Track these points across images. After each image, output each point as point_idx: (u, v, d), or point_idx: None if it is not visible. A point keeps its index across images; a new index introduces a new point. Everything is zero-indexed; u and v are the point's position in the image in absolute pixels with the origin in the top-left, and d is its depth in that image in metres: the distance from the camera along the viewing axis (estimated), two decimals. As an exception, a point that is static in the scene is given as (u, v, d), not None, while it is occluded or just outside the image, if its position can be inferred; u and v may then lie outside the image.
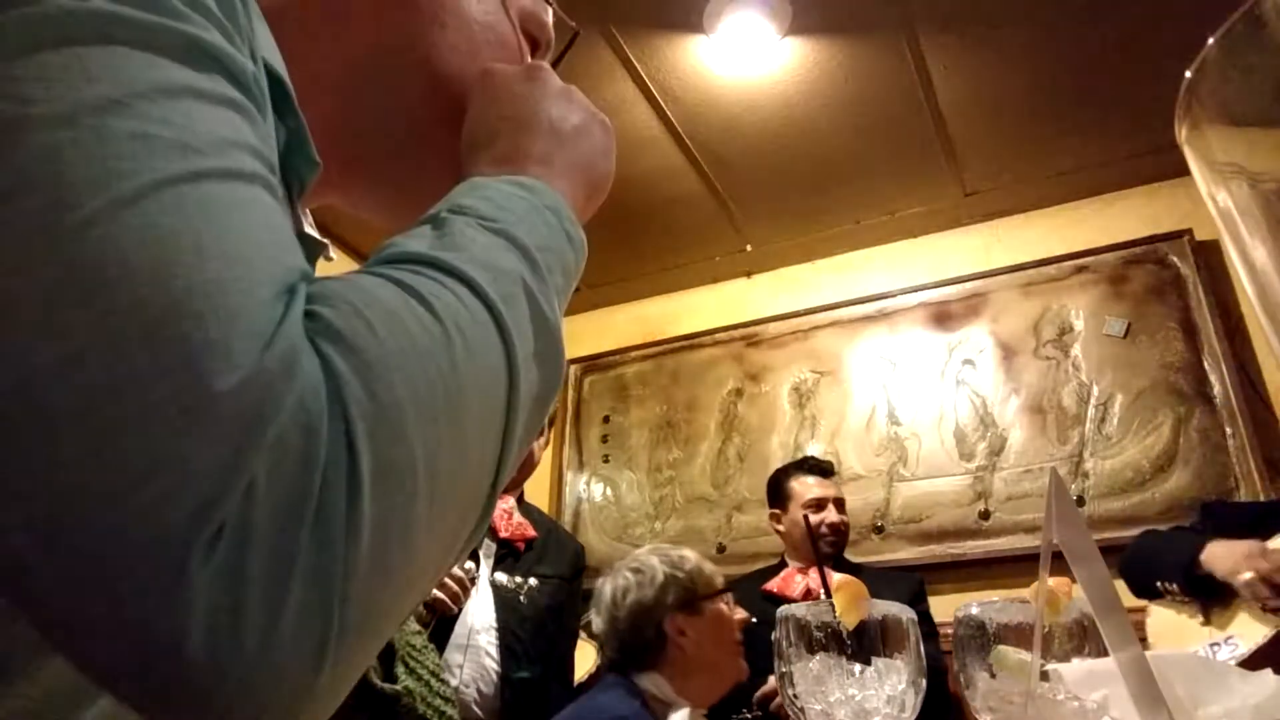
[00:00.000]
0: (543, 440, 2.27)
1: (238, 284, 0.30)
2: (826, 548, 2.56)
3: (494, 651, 1.92)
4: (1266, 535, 1.99)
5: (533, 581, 2.05)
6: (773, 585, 2.57)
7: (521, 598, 2.02)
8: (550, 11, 0.66)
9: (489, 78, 0.56)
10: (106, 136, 0.29)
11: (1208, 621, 1.98)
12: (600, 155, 0.56)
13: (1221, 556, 1.96)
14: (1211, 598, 1.98)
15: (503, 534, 2.08)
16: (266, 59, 0.43)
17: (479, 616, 1.94)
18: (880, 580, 2.47)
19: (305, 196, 0.51)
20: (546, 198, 0.47)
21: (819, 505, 2.62)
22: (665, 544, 1.92)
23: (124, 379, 0.27)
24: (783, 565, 2.69)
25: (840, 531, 2.61)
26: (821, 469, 2.75)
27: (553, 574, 2.06)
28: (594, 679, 2.13)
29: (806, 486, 2.68)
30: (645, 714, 1.58)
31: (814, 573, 2.46)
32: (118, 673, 0.27)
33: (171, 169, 0.30)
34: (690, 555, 1.78)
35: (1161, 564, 2.07)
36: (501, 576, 2.03)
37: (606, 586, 1.77)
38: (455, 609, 1.83)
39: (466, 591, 1.85)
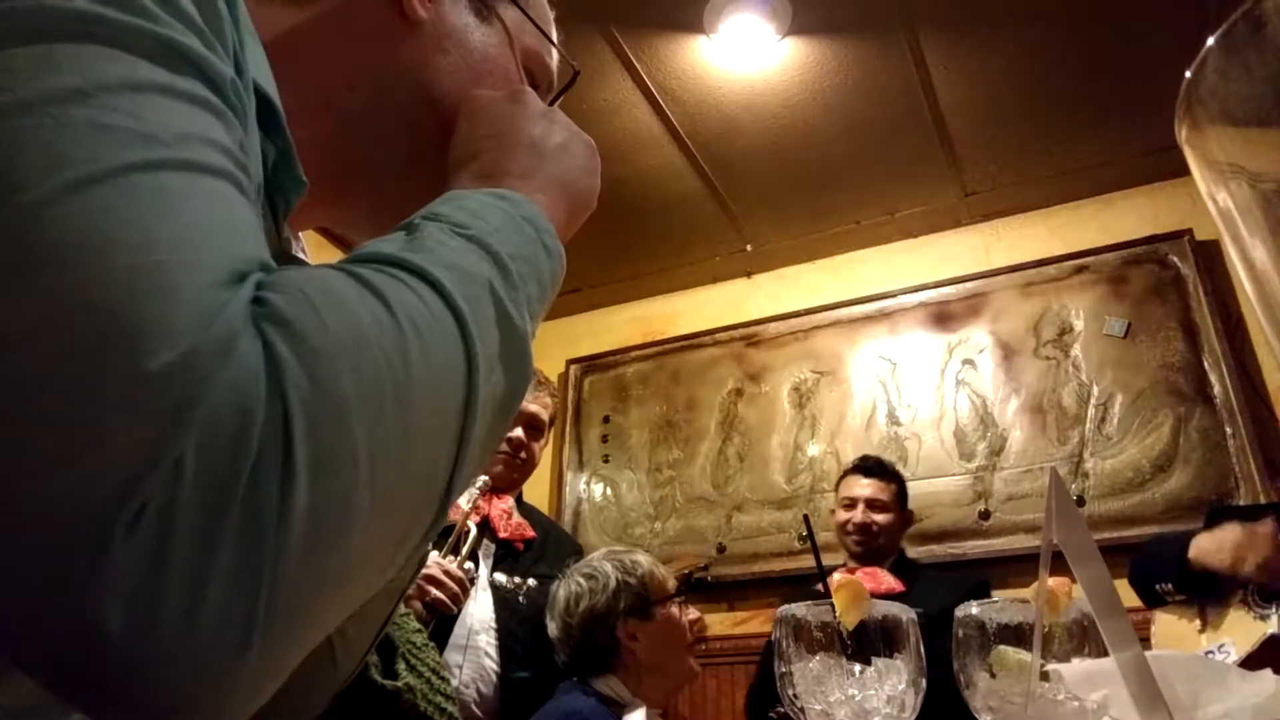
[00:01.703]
0: (542, 440, 2.27)
1: (182, 267, 0.30)
2: (853, 546, 2.55)
3: (493, 652, 1.92)
4: None
5: (531, 582, 2.05)
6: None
7: (521, 598, 2.02)
8: (554, 52, 0.67)
9: (472, 100, 0.57)
10: (65, 124, 0.30)
11: (1205, 627, 1.98)
12: (583, 172, 0.56)
13: (1210, 550, 1.96)
14: (1206, 594, 1.98)
15: (502, 534, 2.08)
16: (256, 79, 0.44)
17: (478, 617, 1.94)
18: (936, 580, 2.47)
19: (295, 217, 0.52)
20: (523, 209, 0.47)
21: (850, 504, 2.61)
22: (620, 547, 1.94)
23: (57, 356, 0.27)
24: (844, 565, 2.64)
25: (868, 530, 2.55)
26: (864, 469, 2.71)
27: (552, 574, 2.06)
28: None
29: (847, 485, 2.67)
30: (602, 709, 1.60)
31: (860, 572, 2.44)
32: (34, 652, 0.27)
33: (129, 157, 0.31)
34: (643, 560, 1.80)
35: (1157, 566, 2.07)
36: (500, 577, 2.03)
37: (560, 591, 1.79)
38: (455, 609, 1.82)
39: (466, 591, 1.85)
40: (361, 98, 0.56)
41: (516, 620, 1.97)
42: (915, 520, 2.79)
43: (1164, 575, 2.04)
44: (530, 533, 2.14)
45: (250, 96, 0.41)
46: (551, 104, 0.67)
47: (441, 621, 1.84)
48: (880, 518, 2.58)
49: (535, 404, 2.23)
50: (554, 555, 2.15)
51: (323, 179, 0.52)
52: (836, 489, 2.78)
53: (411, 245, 0.40)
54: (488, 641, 1.92)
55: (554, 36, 0.68)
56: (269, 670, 0.30)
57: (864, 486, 2.63)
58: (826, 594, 0.87)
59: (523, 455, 2.19)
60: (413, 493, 0.35)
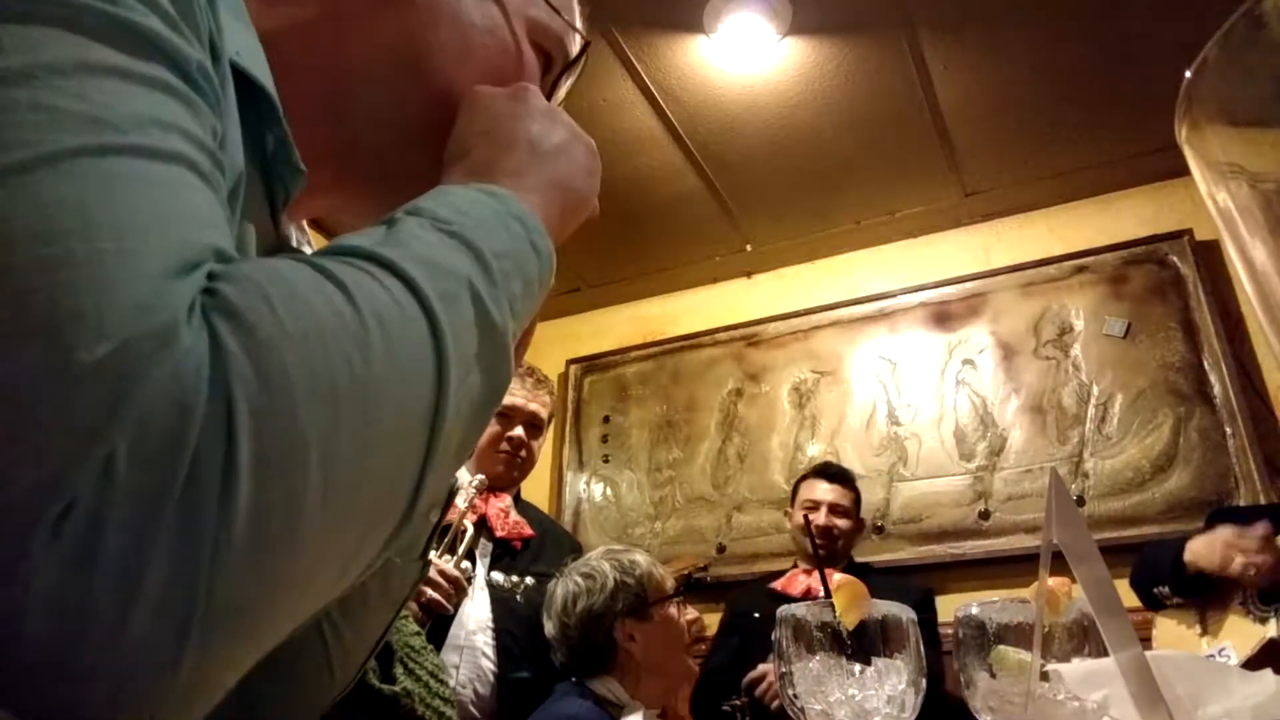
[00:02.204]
0: (541, 438, 2.27)
1: (123, 255, 0.28)
2: (811, 548, 2.59)
3: (490, 652, 1.91)
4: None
5: (529, 581, 2.04)
6: (778, 584, 2.63)
7: (518, 597, 2.01)
8: (564, 21, 0.64)
9: (473, 96, 0.55)
10: (6, 105, 0.29)
11: (1204, 631, 1.99)
12: (580, 175, 0.55)
13: (1203, 553, 1.98)
14: (1203, 596, 1.99)
15: (499, 533, 2.07)
16: (246, 65, 0.43)
17: (475, 617, 1.93)
18: (886, 586, 2.49)
19: (297, 206, 0.51)
20: (513, 206, 0.46)
21: (814, 507, 2.66)
22: (618, 546, 1.94)
23: None
24: (795, 566, 2.74)
25: (829, 534, 2.61)
26: (828, 474, 2.78)
27: (549, 573, 2.06)
28: None
29: (810, 488, 2.73)
30: (599, 711, 1.60)
31: (817, 573, 2.48)
32: None
33: (75, 141, 0.29)
34: (641, 560, 1.79)
35: (1155, 569, 2.08)
36: (498, 576, 2.02)
37: (558, 590, 1.78)
38: (450, 609, 1.82)
39: (462, 591, 1.85)
40: (353, 79, 0.55)
41: (514, 619, 1.97)
42: (865, 529, 2.86)
43: (1161, 578, 2.05)
44: (528, 531, 2.13)
45: (228, 81, 0.40)
46: (560, 77, 0.65)
47: (438, 621, 1.83)
48: (842, 523, 2.65)
49: (535, 403, 2.22)
50: (552, 554, 2.15)
51: (319, 165, 0.51)
52: (795, 491, 2.80)
53: (388, 239, 0.38)
54: (485, 641, 1.92)
55: (571, 8, 0.65)
56: (207, 678, 0.29)
57: (827, 491, 2.69)
58: (827, 594, 0.87)
59: (523, 454, 2.18)
60: (372, 497, 0.33)
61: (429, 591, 1.76)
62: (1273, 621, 1.88)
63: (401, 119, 0.56)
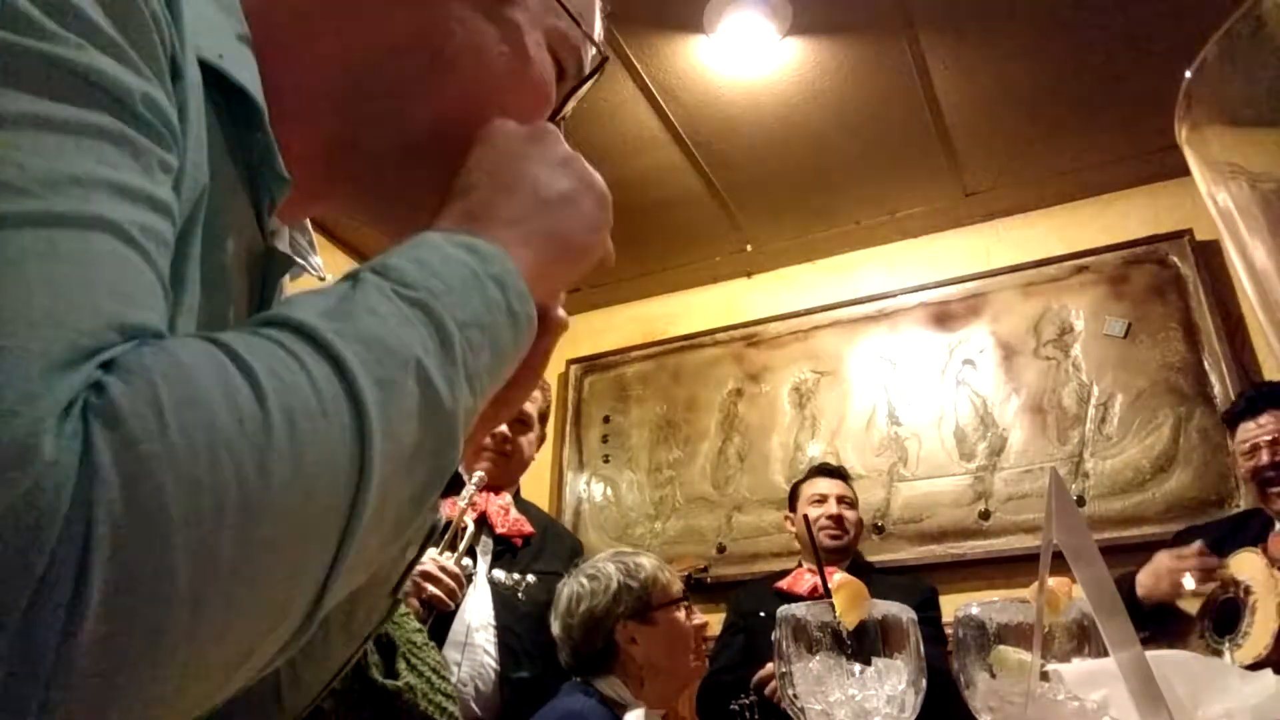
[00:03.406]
0: (534, 435, 2.25)
1: (1, 353, 0.26)
2: (828, 540, 2.59)
3: (492, 650, 1.91)
4: (1233, 549, 2.04)
5: (530, 578, 2.04)
6: (784, 583, 2.63)
7: (520, 595, 2.01)
8: (583, 32, 0.61)
9: (490, 129, 0.52)
10: None
11: None
12: (583, 228, 0.52)
13: (1149, 583, 2.04)
14: (1164, 630, 2.01)
15: (499, 530, 2.07)
16: (232, 72, 0.41)
17: (477, 614, 1.93)
18: (889, 584, 2.49)
19: (296, 207, 0.50)
20: (495, 266, 0.43)
21: (820, 501, 2.66)
22: (626, 548, 1.94)
23: None
24: (800, 565, 2.74)
25: (840, 523, 2.62)
26: (827, 470, 2.80)
27: (551, 570, 2.05)
28: None
29: (813, 486, 2.74)
30: (602, 709, 1.61)
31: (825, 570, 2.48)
32: None
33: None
34: (646, 563, 1.79)
35: None
36: (499, 574, 2.02)
37: (563, 591, 1.79)
38: (451, 606, 1.82)
39: (463, 587, 1.84)
40: (356, 77, 0.52)
41: (516, 617, 1.96)
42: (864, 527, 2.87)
43: None
44: (529, 529, 2.13)
45: (194, 99, 0.37)
46: (575, 91, 0.62)
47: (439, 619, 1.83)
48: (850, 514, 2.67)
49: None
50: (553, 551, 2.15)
51: (313, 165, 0.49)
52: (795, 495, 2.79)
53: (335, 309, 0.35)
54: (486, 639, 1.91)
55: (591, 19, 0.62)
56: None
57: (830, 485, 2.71)
58: (827, 593, 0.87)
59: (508, 448, 2.16)
60: (257, 616, 0.30)
61: (430, 588, 1.76)
62: (1226, 653, 1.91)
63: (404, 125, 0.53)
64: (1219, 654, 1.92)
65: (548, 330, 0.51)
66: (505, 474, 2.17)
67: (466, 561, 1.92)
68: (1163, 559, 2.05)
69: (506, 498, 2.15)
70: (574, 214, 0.51)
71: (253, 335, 0.32)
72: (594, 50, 0.63)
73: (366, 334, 0.34)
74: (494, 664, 1.90)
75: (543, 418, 2.32)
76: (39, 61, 0.30)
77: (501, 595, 1.98)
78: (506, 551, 2.07)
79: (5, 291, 0.27)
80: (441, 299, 0.38)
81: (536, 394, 2.28)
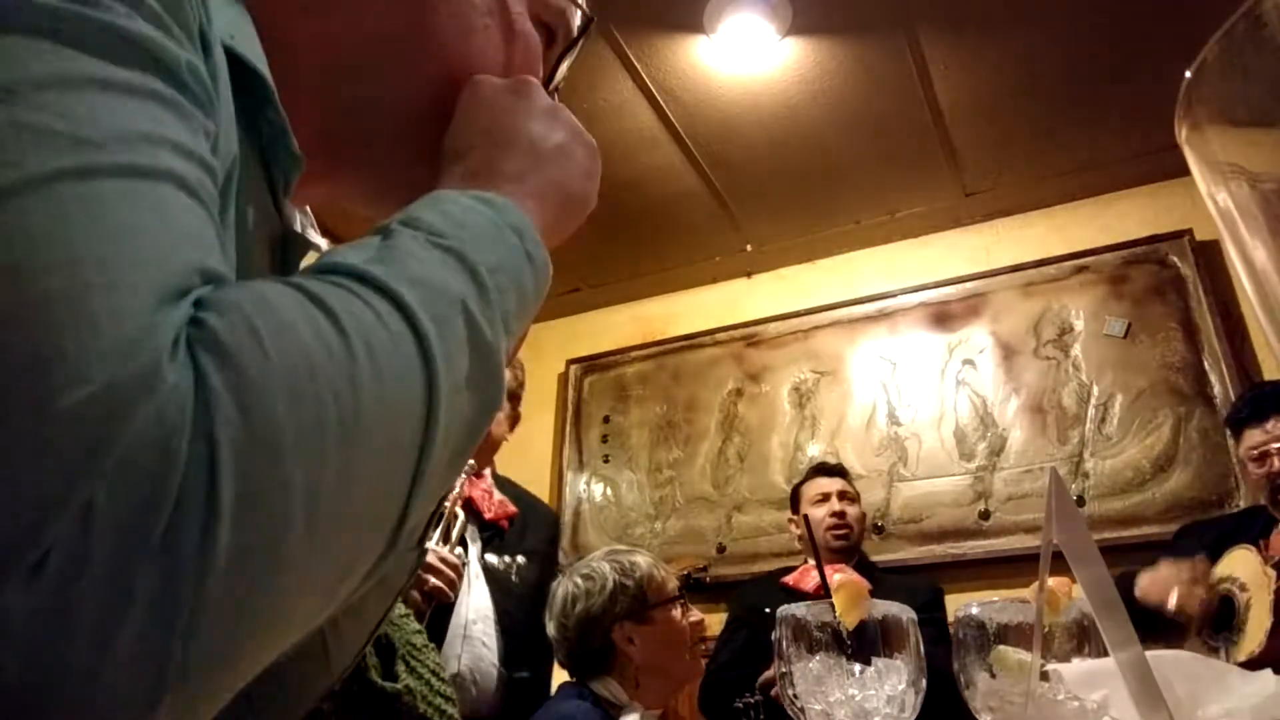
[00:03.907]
0: (503, 415, 2.21)
1: (109, 289, 0.28)
2: (833, 540, 2.57)
3: (490, 641, 1.89)
4: (1222, 551, 2.04)
5: (521, 559, 2.02)
6: (790, 579, 2.61)
7: (514, 577, 1.98)
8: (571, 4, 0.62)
9: (474, 87, 0.54)
10: None
11: None
12: (580, 177, 0.53)
13: (1152, 591, 2.02)
14: (1162, 631, 2.01)
15: (488, 515, 2.03)
16: (242, 51, 0.42)
17: (474, 606, 1.90)
18: (895, 584, 2.48)
19: (294, 190, 0.50)
20: (510, 216, 0.45)
21: (823, 500, 2.65)
22: (621, 546, 1.93)
23: None
24: (806, 562, 2.72)
25: (844, 520, 2.60)
26: (826, 469, 2.78)
27: (537, 549, 2.02)
28: None
29: (814, 486, 2.72)
30: (598, 711, 1.60)
31: (827, 568, 2.47)
32: None
33: (56, 163, 0.28)
34: (642, 562, 1.78)
35: None
36: (492, 558, 1.98)
37: (559, 591, 1.78)
38: (453, 596, 1.80)
39: (462, 577, 1.82)
40: (344, 57, 0.53)
41: (513, 601, 1.94)
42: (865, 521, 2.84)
43: None
44: (512, 509, 2.09)
45: (221, 70, 0.39)
46: (564, 56, 0.63)
47: (437, 612, 1.82)
48: (852, 509, 2.64)
49: None
50: (535, 527, 2.11)
51: (317, 151, 0.50)
52: (797, 498, 2.77)
53: (380, 255, 0.37)
54: (484, 631, 1.89)
55: None
56: (187, 714, 0.28)
57: (831, 483, 2.69)
58: (827, 593, 0.87)
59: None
60: (357, 529, 0.33)
61: (432, 579, 1.75)
62: (1221, 651, 1.91)
63: (395, 103, 0.54)
64: (1215, 652, 1.92)
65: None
66: (483, 454, 2.14)
67: (459, 550, 1.89)
68: (1168, 568, 2.04)
69: (487, 479, 2.11)
70: (570, 164, 0.53)
71: (315, 279, 0.34)
72: (580, 14, 0.64)
73: (415, 276, 0.37)
74: (492, 656, 1.89)
75: (515, 397, 2.27)
76: (94, 28, 0.31)
77: (496, 580, 1.95)
78: (495, 535, 2.04)
79: (101, 236, 0.28)
80: (470, 247, 0.40)
81: (506, 373, 2.21)
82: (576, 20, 0.64)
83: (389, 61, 0.54)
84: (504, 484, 2.22)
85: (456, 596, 1.84)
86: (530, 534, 2.09)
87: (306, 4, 0.52)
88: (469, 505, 2.01)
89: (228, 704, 0.31)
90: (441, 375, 0.35)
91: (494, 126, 0.52)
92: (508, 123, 0.52)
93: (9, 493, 0.25)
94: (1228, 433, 2.50)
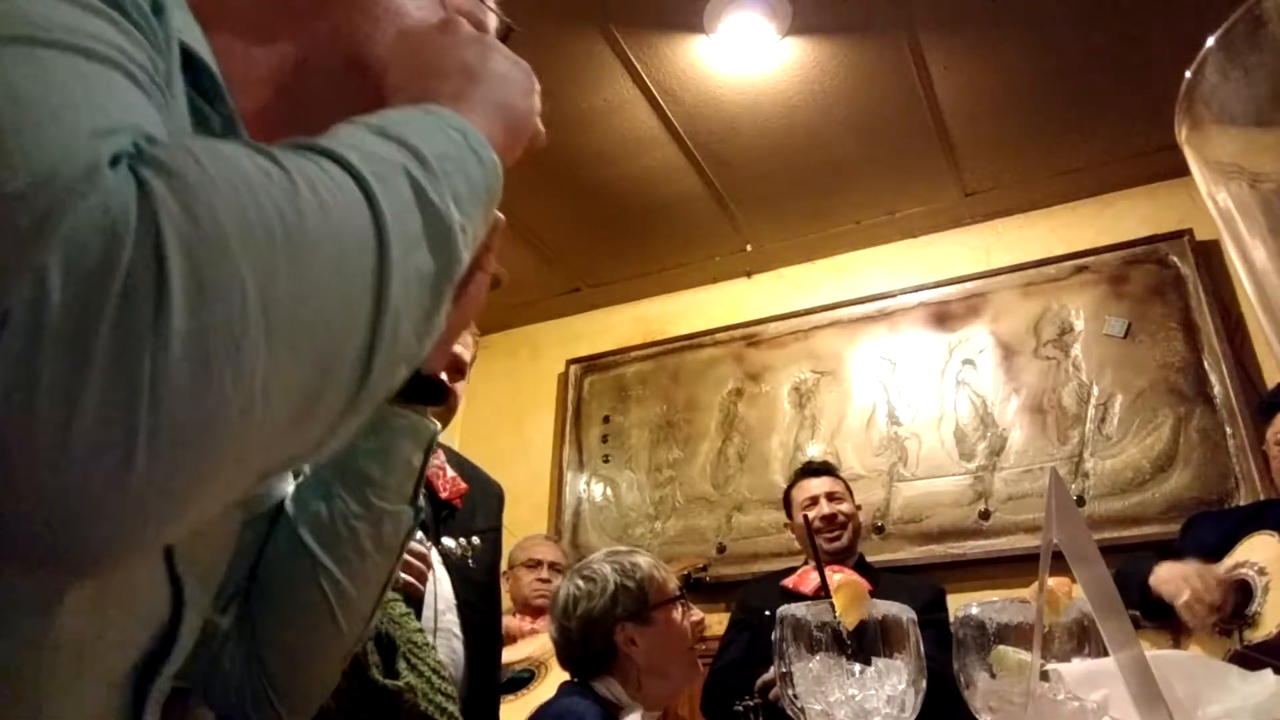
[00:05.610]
0: (464, 382, 2.17)
1: (51, 111, 0.30)
2: (825, 542, 2.57)
3: (458, 630, 1.84)
4: (1237, 540, 2.03)
5: (475, 540, 1.95)
6: (790, 581, 2.61)
7: (471, 561, 1.91)
8: (489, 12, 0.66)
9: (402, 37, 0.57)
10: None
11: (1176, 647, 1.99)
12: (519, 94, 0.55)
13: (1165, 579, 2.00)
14: (1174, 619, 2.00)
15: (443, 494, 1.94)
16: (193, 47, 0.43)
17: (443, 596, 1.81)
18: (896, 585, 2.48)
19: None
20: (451, 120, 0.46)
21: (814, 503, 2.64)
22: (621, 547, 1.91)
23: None
24: (806, 563, 2.72)
25: (834, 521, 2.60)
26: (812, 469, 2.78)
27: (489, 526, 1.94)
28: None
29: (802, 490, 2.71)
30: (599, 710, 1.60)
31: (827, 569, 2.46)
32: None
33: (7, 32, 0.31)
34: (643, 562, 1.77)
35: (1124, 591, 2.07)
36: (449, 541, 1.88)
37: (560, 592, 1.76)
38: (422, 589, 1.76)
39: (430, 566, 1.78)
40: (297, 68, 0.56)
41: (472, 587, 1.85)
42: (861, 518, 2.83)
43: (1129, 603, 2.05)
44: (464, 485, 1.99)
45: (174, 64, 0.41)
46: None
47: (411, 605, 1.77)
48: (843, 508, 2.63)
49: (458, 344, 2.06)
50: (484, 503, 2.02)
51: (266, 137, 0.52)
52: (788, 502, 2.77)
53: (321, 137, 0.39)
54: (453, 620, 1.84)
55: None
56: (163, 489, 0.29)
57: (818, 484, 2.68)
58: (827, 594, 0.87)
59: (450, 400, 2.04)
60: (320, 337, 0.34)
61: (403, 575, 1.70)
62: (1235, 634, 1.90)
63: (347, 109, 0.58)
64: (1228, 635, 1.91)
65: (478, 265, 0.58)
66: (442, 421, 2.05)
67: (420, 535, 1.83)
68: (1187, 569, 2.00)
69: (441, 455, 2.06)
70: (508, 83, 0.55)
71: (254, 148, 0.36)
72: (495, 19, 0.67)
73: (354, 144, 0.38)
74: (462, 646, 1.84)
75: (463, 367, 2.18)
76: None
77: (454, 564, 1.85)
78: (450, 515, 1.94)
79: (46, 86, 0.31)
80: (410, 135, 0.41)
81: (469, 338, 2.11)
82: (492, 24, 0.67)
83: (334, 67, 0.57)
84: (450, 454, 2.09)
85: (425, 588, 1.78)
86: (480, 511, 1.99)
87: (256, 17, 0.55)
88: (426, 486, 1.93)
89: (247, 678, 0.31)
90: (389, 221, 0.36)
91: (428, 64, 0.54)
92: (439, 54, 0.54)
93: None
94: (1240, 423, 2.48)
